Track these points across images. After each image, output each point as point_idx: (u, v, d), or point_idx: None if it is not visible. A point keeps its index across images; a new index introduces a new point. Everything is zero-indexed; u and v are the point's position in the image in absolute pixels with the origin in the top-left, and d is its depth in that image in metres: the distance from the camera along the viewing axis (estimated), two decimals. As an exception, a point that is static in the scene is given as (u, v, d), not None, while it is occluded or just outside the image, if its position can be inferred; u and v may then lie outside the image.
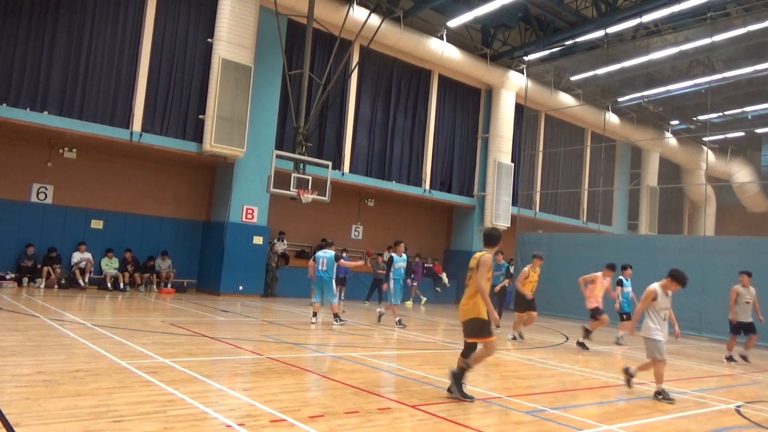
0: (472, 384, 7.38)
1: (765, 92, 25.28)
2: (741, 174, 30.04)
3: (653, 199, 29.02)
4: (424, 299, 21.59)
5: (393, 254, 13.47)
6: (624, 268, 14.20)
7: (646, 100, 26.58)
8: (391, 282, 13.19)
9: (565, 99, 25.76)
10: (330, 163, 17.75)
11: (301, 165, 17.00)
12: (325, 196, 17.22)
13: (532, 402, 6.55)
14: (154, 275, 17.39)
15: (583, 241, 22.13)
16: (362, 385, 6.56)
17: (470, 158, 24.01)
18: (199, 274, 18.48)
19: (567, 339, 13.99)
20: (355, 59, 19.94)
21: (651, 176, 29.22)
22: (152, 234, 17.91)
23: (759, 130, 29.00)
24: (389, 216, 23.49)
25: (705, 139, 28.56)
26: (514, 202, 24.09)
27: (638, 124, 28.25)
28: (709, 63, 23.49)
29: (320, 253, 12.68)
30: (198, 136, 16.81)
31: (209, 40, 17.04)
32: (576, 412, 6.32)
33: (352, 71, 19.95)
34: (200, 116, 16.84)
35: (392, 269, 13.25)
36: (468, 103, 23.91)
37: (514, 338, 12.74)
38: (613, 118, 27.07)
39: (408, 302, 20.62)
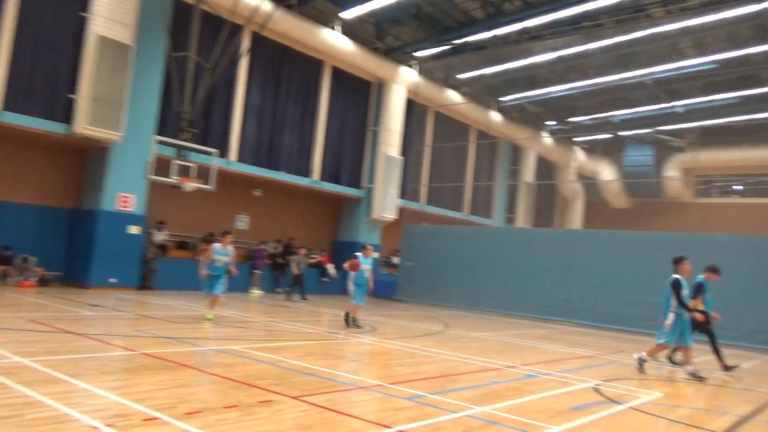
0: (355, 373, 7.47)
1: (629, 99, 27.63)
2: (606, 173, 32.71)
3: (529, 194, 30.86)
4: (259, 292, 19.78)
5: (677, 276, 9.55)
6: (710, 270, 10.88)
7: (526, 100, 28.14)
8: (670, 317, 9.46)
9: (453, 96, 26.66)
10: (216, 151, 17.12)
11: (184, 152, 16.23)
12: (209, 185, 16.60)
13: (413, 388, 6.75)
14: (11, 267, 15.86)
15: (466, 233, 23.09)
16: (243, 379, 6.43)
17: (360, 150, 24.19)
18: (66, 266, 17.12)
19: (447, 327, 14.54)
20: (246, 45, 19.36)
21: (528, 173, 31.04)
22: (10, 222, 16.33)
23: (623, 133, 31.70)
24: (277, 206, 23.13)
25: (576, 139, 30.76)
26: (402, 195, 24.62)
27: (519, 123, 29.88)
28: (582, 69, 25.28)
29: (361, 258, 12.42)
30: (68, 117, 15.54)
31: (82, 14, 15.77)
32: (453, 395, 6.59)
33: (242, 57, 19.35)
34: (70, 95, 15.57)
35: (682, 295, 9.45)
36: (359, 96, 24.05)
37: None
38: (496, 116, 28.40)
39: (256, 291, 19.91)
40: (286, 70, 21.16)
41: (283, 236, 22.40)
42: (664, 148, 31.22)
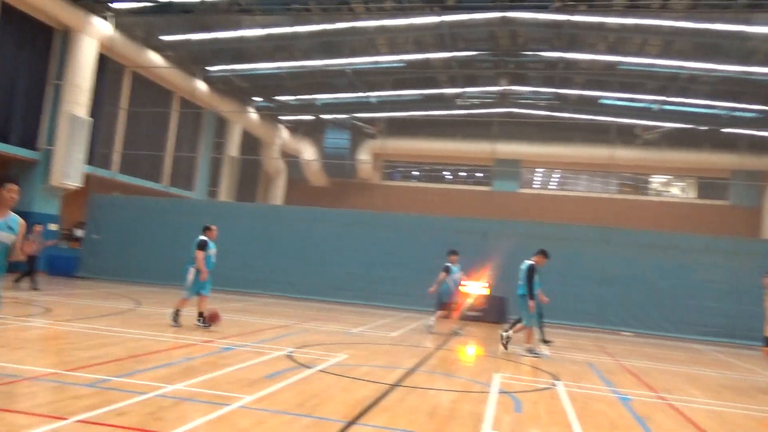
0: (20, 363, 6.39)
1: (331, 84, 29.33)
2: (308, 152, 34.35)
3: (234, 168, 30.65)
4: None
5: (532, 262, 10.66)
6: (449, 253, 13.35)
7: (234, 73, 27.68)
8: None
9: (155, 59, 24.71)
10: None
11: None
12: None
13: (95, 373, 6.09)
14: None
15: (164, 205, 21.84)
16: None
17: (37, 106, 20.68)
18: None
19: (139, 304, 13.58)
20: None
21: (233, 146, 30.74)
22: None
23: (324, 116, 33.60)
24: None
25: (281, 117, 31.56)
26: (89, 161, 21.97)
27: (225, 96, 29.26)
28: (290, 50, 25.89)
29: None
30: None
31: None
32: (142, 376, 6.15)
33: None
34: None
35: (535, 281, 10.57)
36: (38, 42, 20.47)
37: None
38: (202, 85, 27.32)
39: None
40: (-66, -5, 16.87)
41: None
42: (358, 134, 34.13)
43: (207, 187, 30.20)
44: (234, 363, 7.34)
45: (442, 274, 12.87)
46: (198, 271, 10.33)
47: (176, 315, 10.30)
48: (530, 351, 10.49)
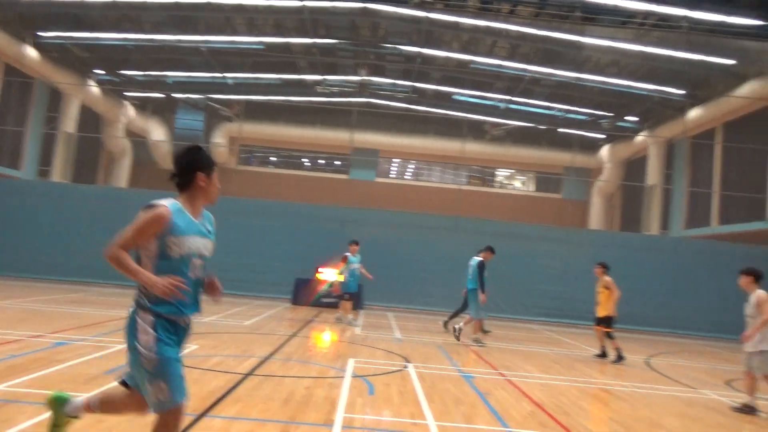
0: None
1: (184, 62, 27.70)
2: (157, 132, 32.28)
3: (70, 146, 27.84)
4: None
5: (481, 259, 11.28)
6: (350, 242, 13.32)
7: (71, 41, 25.08)
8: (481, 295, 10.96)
9: (-27, 17, 21.65)
10: None
11: None
12: None
13: None
14: None
15: (-14, 185, 19.38)
16: None
17: None
18: None
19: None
20: None
21: (70, 122, 27.90)
22: None
23: (176, 95, 31.71)
24: None
25: (127, 94, 29.28)
26: None
27: (61, 66, 26.46)
28: (138, 21, 24.02)
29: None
30: None
31: None
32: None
33: None
34: None
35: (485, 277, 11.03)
36: None
37: None
38: (32, 52, 24.44)
39: None
40: None
41: None
42: (214, 116, 32.67)
43: (37, 165, 27.20)
44: (70, 359, 6.71)
45: (341, 264, 13.20)
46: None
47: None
48: (476, 341, 11.09)
